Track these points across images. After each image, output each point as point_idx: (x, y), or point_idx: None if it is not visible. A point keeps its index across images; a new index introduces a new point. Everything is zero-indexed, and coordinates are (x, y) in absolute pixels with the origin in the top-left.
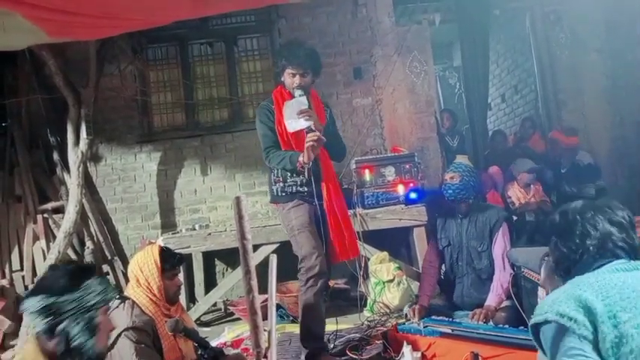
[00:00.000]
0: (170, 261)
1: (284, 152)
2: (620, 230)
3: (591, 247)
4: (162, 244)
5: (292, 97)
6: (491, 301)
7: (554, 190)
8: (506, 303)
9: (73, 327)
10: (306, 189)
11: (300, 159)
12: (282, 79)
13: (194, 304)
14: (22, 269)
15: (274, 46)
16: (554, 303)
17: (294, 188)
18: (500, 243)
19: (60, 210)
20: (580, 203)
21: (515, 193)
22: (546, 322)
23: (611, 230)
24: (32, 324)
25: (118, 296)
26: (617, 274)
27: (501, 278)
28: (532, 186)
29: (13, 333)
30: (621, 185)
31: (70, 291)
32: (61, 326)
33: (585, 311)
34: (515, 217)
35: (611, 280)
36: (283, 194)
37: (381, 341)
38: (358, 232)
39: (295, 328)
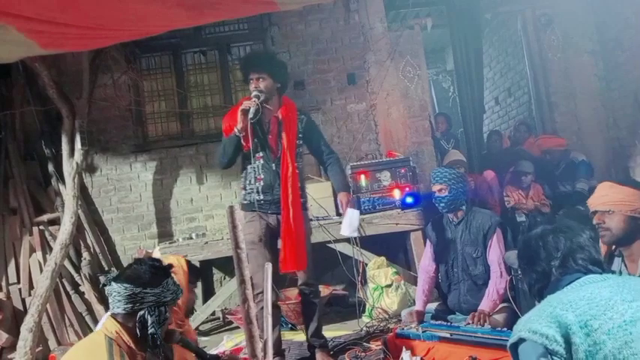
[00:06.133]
0: (194, 273)
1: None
2: (580, 248)
3: (554, 268)
4: (160, 254)
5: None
6: (485, 305)
7: (551, 192)
8: (503, 305)
9: (150, 316)
10: (262, 197)
11: (235, 129)
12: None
13: (192, 313)
14: (18, 282)
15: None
16: (527, 322)
17: (252, 197)
18: (495, 249)
19: (56, 222)
20: (540, 229)
21: (513, 194)
22: (521, 340)
23: (573, 248)
24: (112, 305)
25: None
26: (585, 286)
27: (498, 284)
28: (531, 188)
29: (11, 346)
30: None
31: (153, 286)
32: (140, 312)
33: (557, 325)
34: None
35: (579, 293)
36: (245, 203)
37: (380, 347)
38: (356, 239)
39: (294, 336)
